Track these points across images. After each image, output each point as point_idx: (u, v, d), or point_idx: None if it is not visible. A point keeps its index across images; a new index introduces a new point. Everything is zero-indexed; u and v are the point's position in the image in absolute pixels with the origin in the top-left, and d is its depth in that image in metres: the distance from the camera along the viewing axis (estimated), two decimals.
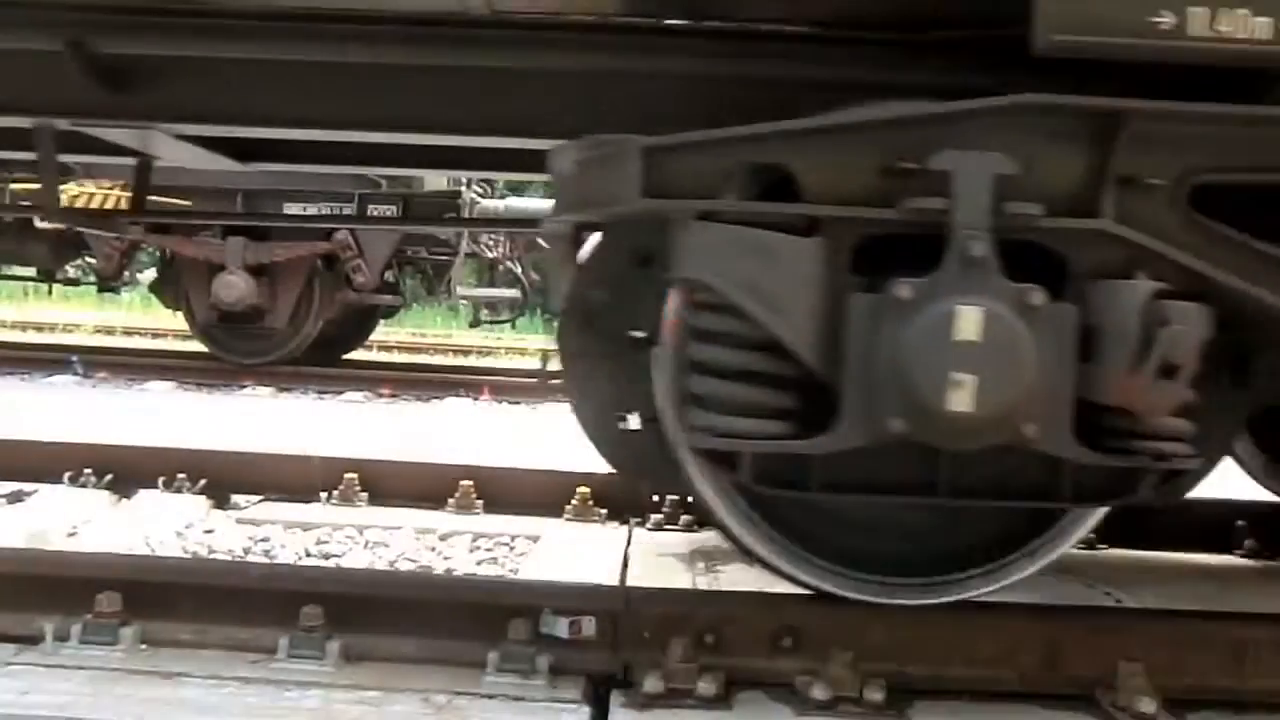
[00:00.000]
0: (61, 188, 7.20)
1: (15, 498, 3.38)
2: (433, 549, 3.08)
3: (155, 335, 11.33)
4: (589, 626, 2.06)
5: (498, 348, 11.87)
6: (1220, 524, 3.37)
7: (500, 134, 2.37)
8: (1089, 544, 3.26)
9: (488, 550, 3.09)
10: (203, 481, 3.45)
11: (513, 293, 8.40)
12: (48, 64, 2.16)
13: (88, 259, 8.59)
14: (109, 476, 3.43)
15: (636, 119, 2.08)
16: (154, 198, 6.93)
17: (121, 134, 2.49)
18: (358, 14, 2.14)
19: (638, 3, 2.17)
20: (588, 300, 2.08)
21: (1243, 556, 3.27)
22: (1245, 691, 2.04)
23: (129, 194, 7.04)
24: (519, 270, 8.35)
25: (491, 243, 8.31)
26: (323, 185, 7.23)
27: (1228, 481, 5.06)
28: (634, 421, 2.06)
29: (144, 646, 2.00)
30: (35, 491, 3.37)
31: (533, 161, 2.52)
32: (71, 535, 3.02)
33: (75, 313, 13.17)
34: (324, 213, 7.32)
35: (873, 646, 2.01)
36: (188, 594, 2.12)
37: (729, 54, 2.16)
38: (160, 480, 3.44)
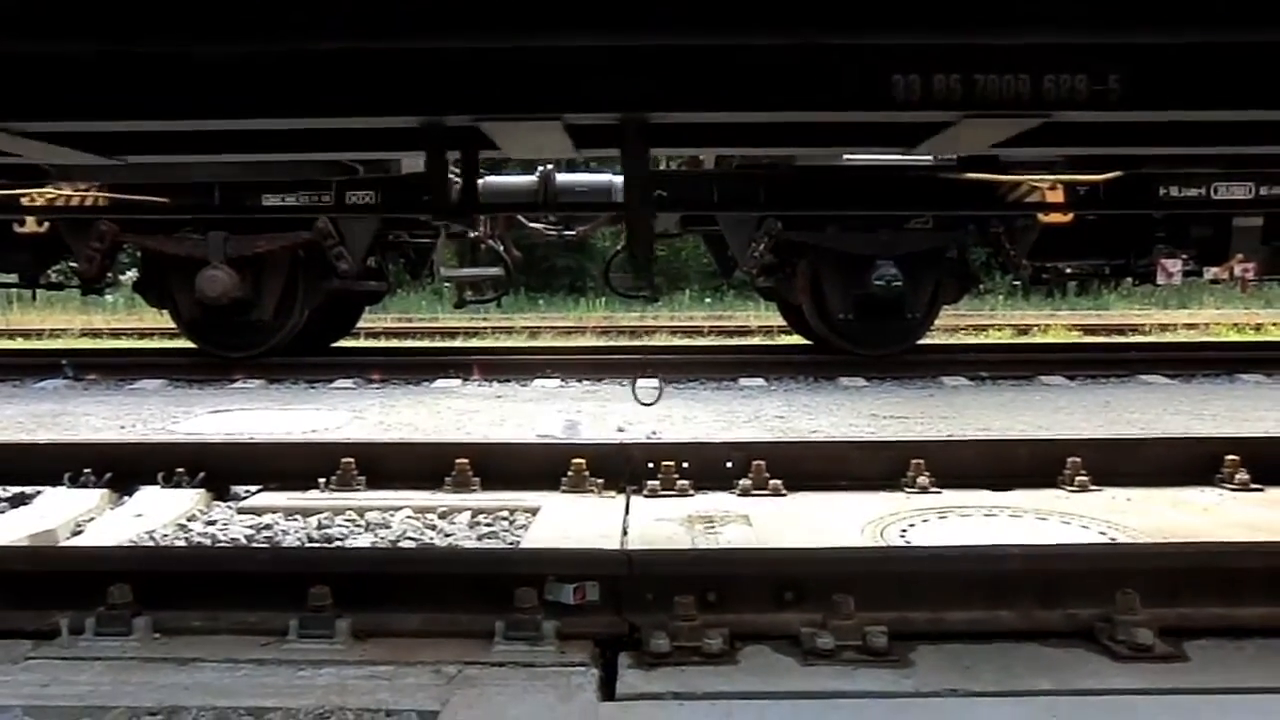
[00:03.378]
0: (37, 191, 7.16)
1: (18, 500, 3.39)
2: (433, 527, 3.10)
3: (142, 335, 11.26)
4: (593, 591, 2.09)
5: (485, 328, 11.86)
6: (1210, 458, 3.44)
7: None
8: (1083, 485, 3.32)
9: (488, 525, 3.11)
10: (201, 475, 3.46)
11: (496, 271, 8.35)
12: None
13: (70, 264, 8.51)
14: (108, 475, 3.44)
15: None
16: (132, 197, 6.92)
17: None
18: None
19: None
20: None
21: (1234, 490, 3.33)
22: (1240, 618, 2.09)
23: (107, 196, 7.02)
24: (501, 248, 8.31)
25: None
26: (300, 174, 7.18)
27: (1219, 418, 5.15)
28: None
29: (157, 635, 2.03)
30: (39, 494, 3.39)
31: None
32: (76, 534, 3.04)
33: (61, 318, 13.08)
34: (304, 203, 7.28)
35: (874, 593, 2.05)
36: (197, 582, 2.15)
37: None
38: (160, 476, 3.45)
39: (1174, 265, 7.39)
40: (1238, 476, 3.36)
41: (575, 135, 2.34)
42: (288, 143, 2.68)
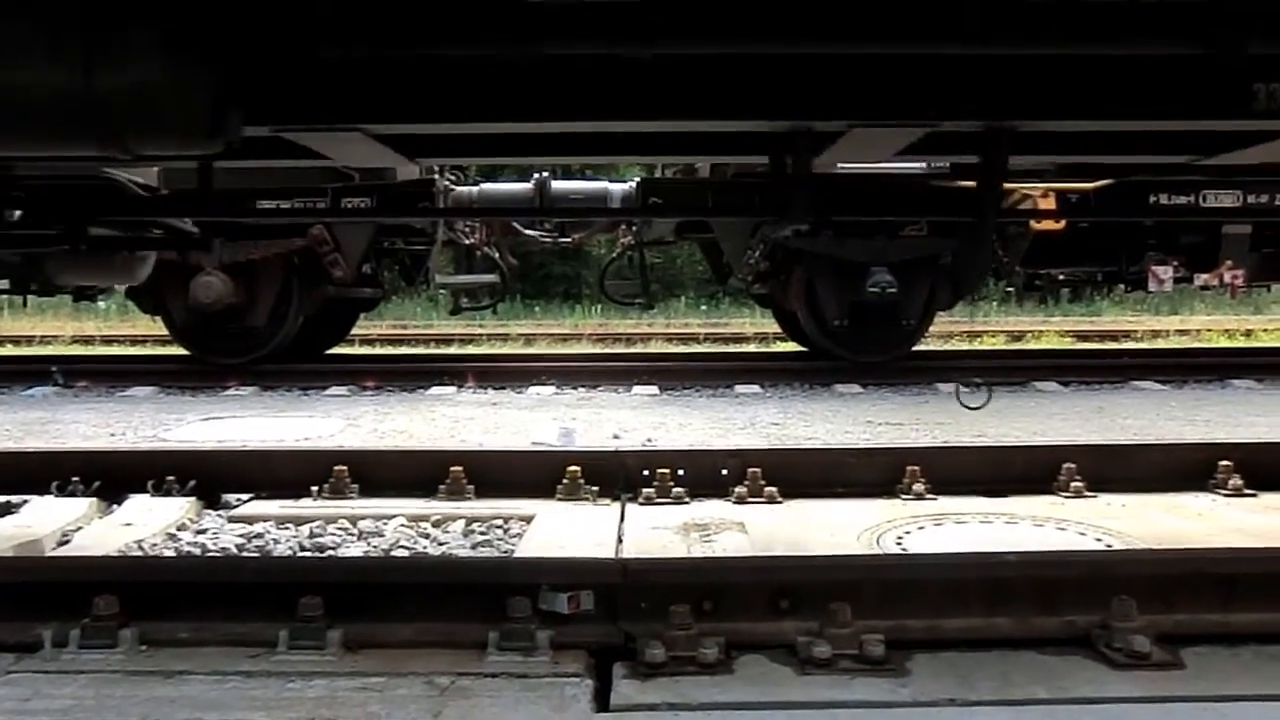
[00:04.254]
0: None
1: (4, 509, 3.35)
2: (427, 535, 3.08)
3: (134, 341, 11.20)
4: (587, 600, 2.07)
5: (480, 334, 11.83)
6: (1204, 464, 3.44)
7: None
8: (1077, 491, 3.31)
9: (482, 534, 3.09)
10: (192, 483, 3.42)
11: (491, 278, 8.34)
12: None
13: None
14: (97, 483, 3.40)
15: None
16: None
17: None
18: None
19: None
20: None
21: (1227, 496, 3.32)
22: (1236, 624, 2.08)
23: None
24: (496, 255, 8.29)
25: (468, 229, 8.25)
26: (295, 181, 7.15)
27: (1211, 424, 5.16)
28: None
29: (144, 647, 2.00)
30: (25, 502, 3.35)
31: None
32: (63, 543, 3.00)
33: (52, 324, 13.01)
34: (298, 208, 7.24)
35: (870, 601, 2.03)
36: (184, 592, 2.12)
37: None
38: (149, 484, 3.42)
39: (1165, 272, 7.42)
40: (1231, 482, 3.35)
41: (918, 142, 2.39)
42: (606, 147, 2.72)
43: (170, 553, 2.92)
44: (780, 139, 2.47)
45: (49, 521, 3.11)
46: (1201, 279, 7.45)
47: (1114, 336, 11.35)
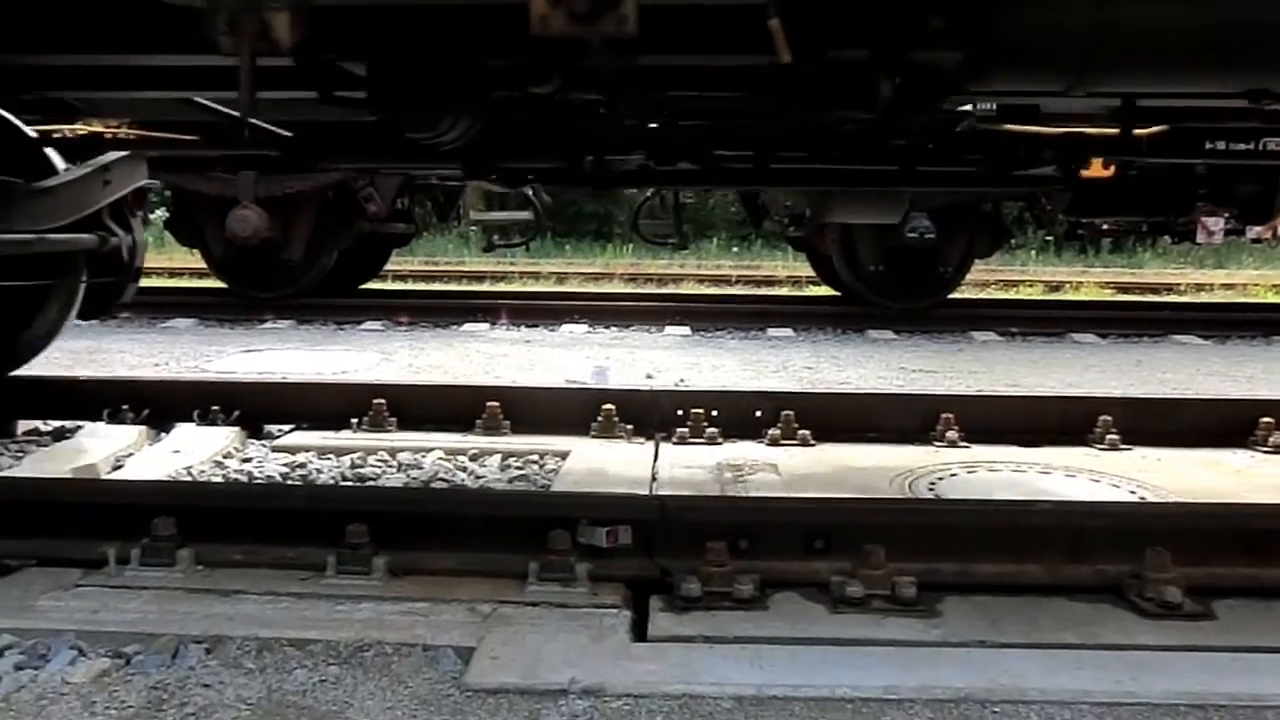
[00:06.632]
0: (68, 128, 7.17)
1: (59, 434, 3.47)
2: (464, 469, 3.15)
3: (172, 274, 11.35)
4: (625, 535, 2.12)
5: (512, 272, 11.86)
6: (1244, 421, 3.41)
7: None
8: (1113, 444, 3.31)
9: (519, 468, 3.15)
10: (236, 413, 3.51)
11: (525, 215, 8.31)
12: None
13: None
14: (145, 411, 3.50)
15: None
16: (162, 134, 6.90)
17: None
18: None
19: None
20: None
21: (1267, 453, 3.30)
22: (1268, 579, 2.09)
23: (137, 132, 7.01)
24: (530, 193, 8.25)
25: None
26: None
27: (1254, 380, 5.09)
28: None
29: (200, 567, 2.09)
30: (79, 428, 3.46)
31: None
32: (117, 468, 3.11)
33: None
34: None
35: (903, 544, 2.06)
36: (237, 517, 2.20)
37: None
38: (195, 413, 3.51)
39: (1215, 224, 7.23)
40: (1271, 439, 3.33)
41: None
42: None
43: (218, 479, 3.02)
44: None
45: (102, 447, 3.21)
46: (1254, 231, 7.27)
47: (1155, 289, 11.14)
